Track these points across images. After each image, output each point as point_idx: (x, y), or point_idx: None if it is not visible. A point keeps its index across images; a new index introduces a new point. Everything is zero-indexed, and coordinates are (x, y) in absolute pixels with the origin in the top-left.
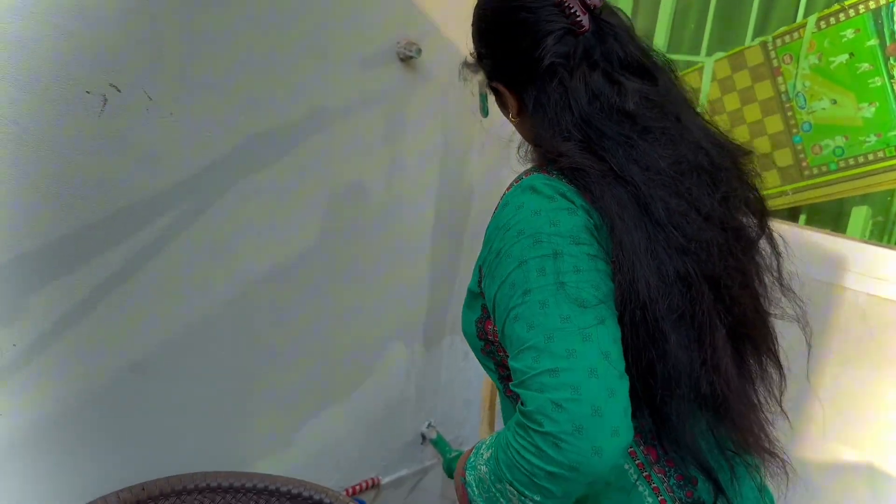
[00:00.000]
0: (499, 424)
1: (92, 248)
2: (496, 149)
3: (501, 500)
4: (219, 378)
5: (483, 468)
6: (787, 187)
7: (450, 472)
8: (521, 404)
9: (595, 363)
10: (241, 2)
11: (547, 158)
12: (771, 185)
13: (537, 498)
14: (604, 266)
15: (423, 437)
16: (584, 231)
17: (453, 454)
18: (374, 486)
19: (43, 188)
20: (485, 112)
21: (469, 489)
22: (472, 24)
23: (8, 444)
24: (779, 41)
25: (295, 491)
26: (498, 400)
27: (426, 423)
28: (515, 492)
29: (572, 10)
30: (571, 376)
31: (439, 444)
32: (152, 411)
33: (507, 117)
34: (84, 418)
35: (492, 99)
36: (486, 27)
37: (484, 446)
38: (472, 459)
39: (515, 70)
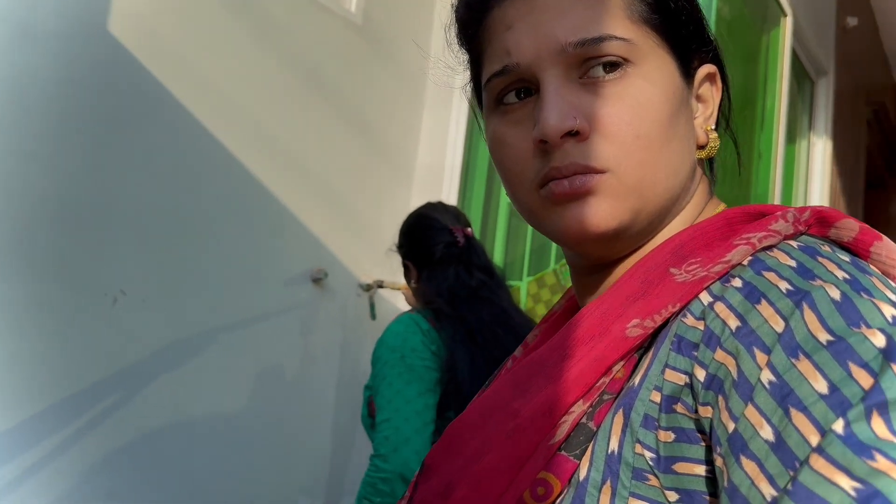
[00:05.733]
0: None
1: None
2: None
3: None
4: None
5: None
6: None
7: None
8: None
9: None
10: (203, 237)
11: (424, 306)
12: None
13: (378, 500)
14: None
15: None
16: (420, 344)
17: None
18: None
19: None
20: (373, 316)
21: None
22: (401, 228)
23: None
24: (564, 267)
25: None
26: None
27: None
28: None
29: (455, 234)
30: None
31: None
32: None
33: (409, 283)
34: None
35: (379, 305)
36: (408, 230)
37: None
38: None
39: (420, 257)
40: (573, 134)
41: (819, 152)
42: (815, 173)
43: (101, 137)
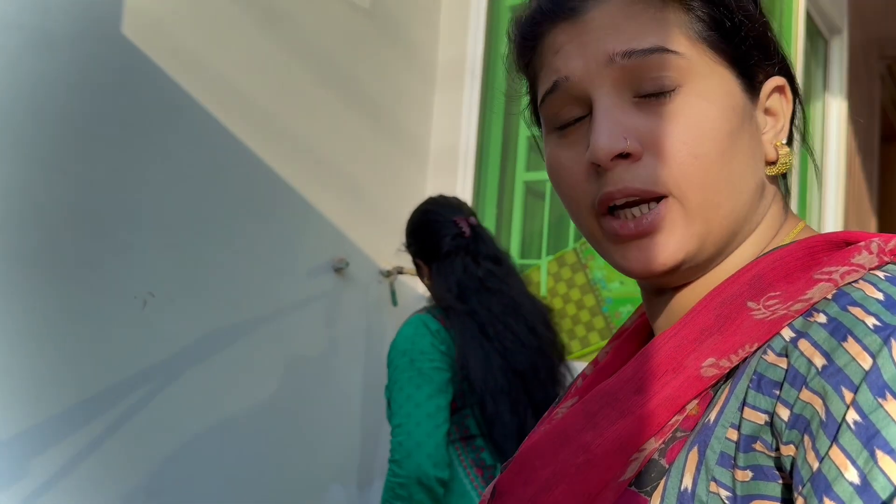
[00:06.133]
0: None
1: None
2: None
3: None
4: None
5: None
6: (603, 342)
7: None
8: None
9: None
10: (226, 235)
11: (436, 302)
12: (592, 342)
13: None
14: (439, 365)
15: None
16: (429, 346)
17: None
18: None
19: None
20: (395, 302)
21: None
22: (406, 227)
23: None
24: (584, 246)
25: None
26: None
27: None
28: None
29: (460, 226)
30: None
31: None
32: None
33: (423, 280)
34: None
35: (400, 291)
36: (414, 229)
37: None
38: None
39: (428, 253)
40: (625, 156)
41: (834, 112)
42: (831, 134)
43: (120, 141)
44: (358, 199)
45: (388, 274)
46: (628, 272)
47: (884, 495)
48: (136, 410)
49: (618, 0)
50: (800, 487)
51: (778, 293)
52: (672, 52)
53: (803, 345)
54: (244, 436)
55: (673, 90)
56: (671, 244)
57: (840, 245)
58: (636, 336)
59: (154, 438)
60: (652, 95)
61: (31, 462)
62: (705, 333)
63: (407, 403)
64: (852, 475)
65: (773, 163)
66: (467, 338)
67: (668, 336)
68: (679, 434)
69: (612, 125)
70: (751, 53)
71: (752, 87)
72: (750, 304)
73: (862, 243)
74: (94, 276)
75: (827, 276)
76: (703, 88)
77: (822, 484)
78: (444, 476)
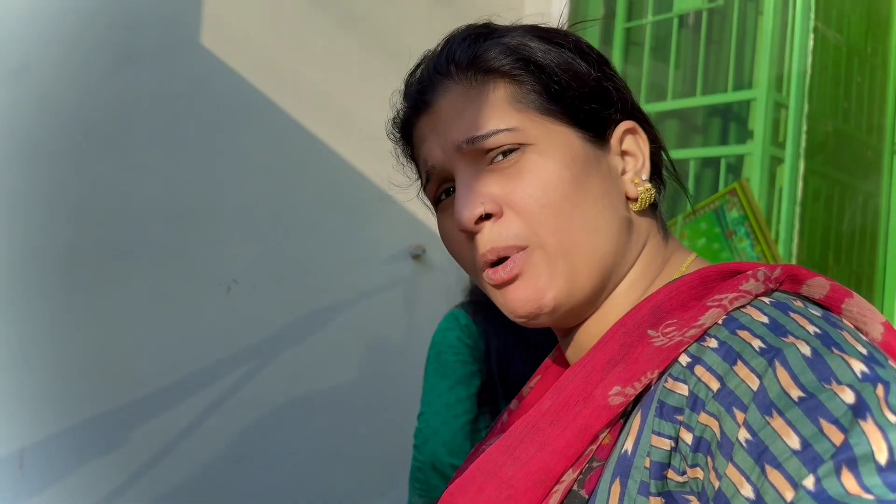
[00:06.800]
0: None
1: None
2: None
3: None
4: None
5: None
6: None
7: None
8: None
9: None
10: (305, 226)
11: (469, 297)
12: None
13: (417, 485)
14: (464, 358)
15: None
16: (456, 340)
17: None
18: None
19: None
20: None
21: None
22: None
23: None
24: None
25: None
26: None
27: None
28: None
29: None
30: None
31: None
32: None
33: None
34: None
35: None
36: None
37: None
38: None
39: None
40: (487, 217)
41: None
42: None
43: (207, 144)
44: None
45: None
46: (512, 316)
47: None
48: (223, 388)
49: (458, 88)
50: None
51: (675, 321)
52: (506, 129)
53: (699, 370)
54: (327, 416)
55: (516, 155)
56: (539, 284)
57: (731, 275)
58: (558, 370)
59: (241, 414)
60: (500, 163)
61: (132, 433)
62: (611, 363)
63: (430, 393)
64: (748, 491)
65: (636, 199)
66: (490, 333)
67: (579, 367)
68: (595, 464)
69: (469, 194)
70: (584, 108)
71: (598, 135)
72: (650, 332)
73: (749, 272)
74: (182, 265)
75: (717, 303)
76: (542, 148)
77: (722, 501)
78: (459, 463)
